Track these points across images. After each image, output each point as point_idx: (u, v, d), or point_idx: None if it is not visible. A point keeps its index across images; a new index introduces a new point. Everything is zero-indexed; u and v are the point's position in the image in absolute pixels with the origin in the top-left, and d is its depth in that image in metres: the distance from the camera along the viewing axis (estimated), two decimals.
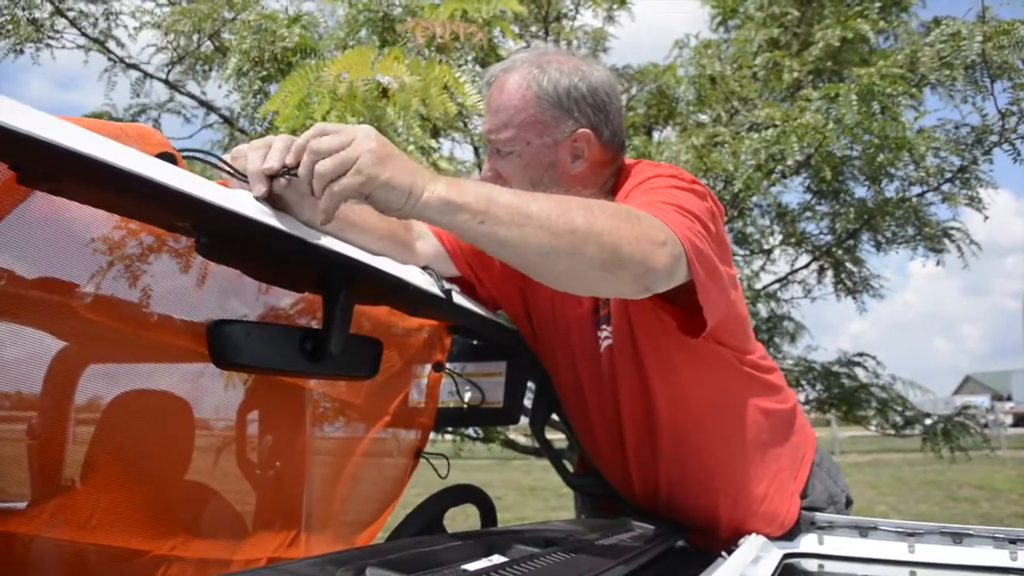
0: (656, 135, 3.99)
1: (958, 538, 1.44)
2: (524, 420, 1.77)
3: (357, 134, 0.92)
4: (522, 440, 4.48)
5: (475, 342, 1.70)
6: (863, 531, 1.51)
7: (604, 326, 1.44)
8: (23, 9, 3.29)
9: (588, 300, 1.45)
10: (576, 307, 1.47)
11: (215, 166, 0.93)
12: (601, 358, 1.46)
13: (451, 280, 1.48)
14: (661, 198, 1.20)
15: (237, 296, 1.14)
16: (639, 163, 1.45)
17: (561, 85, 1.34)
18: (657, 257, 1.04)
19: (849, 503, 1.68)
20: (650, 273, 1.04)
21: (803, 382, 3.95)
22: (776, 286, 4.10)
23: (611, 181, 1.42)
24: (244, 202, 0.91)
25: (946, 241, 3.47)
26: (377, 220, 1.28)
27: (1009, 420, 25.54)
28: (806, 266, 3.99)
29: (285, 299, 1.25)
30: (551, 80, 1.34)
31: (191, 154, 0.94)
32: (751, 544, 1.34)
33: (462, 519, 1.84)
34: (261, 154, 0.95)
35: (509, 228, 0.96)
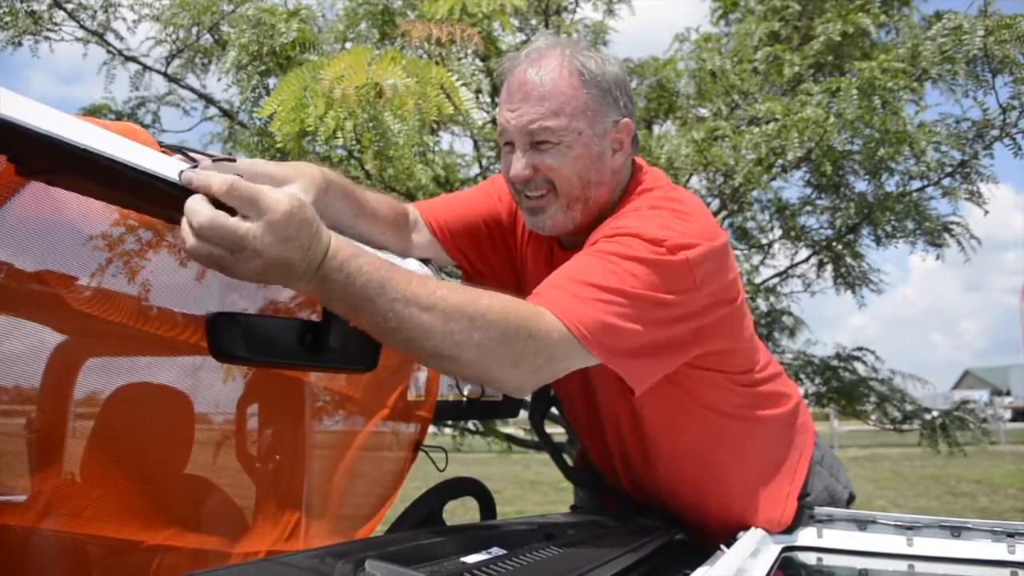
0: (656, 129, 3.98)
1: (956, 532, 1.44)
2: (524, 414, 1.78)
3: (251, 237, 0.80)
4: (521, 434, 4.48)
5: None
6: (862, 524, 1.51)
7: None
8: (21, 1, 3.27)
9: None
10: None
11: (195, 161, 0.91)
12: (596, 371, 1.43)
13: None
14: (591, 277, 1.12)
15: (237, 289, 1.14)
16: (646, 176, 1.35)
17: (607, 72, 1.26)
18: (528, 380, 1.07)
19: (851, 499, 1.65)
20: (521, 389, 1.10)
21: (802, 376, 3.95)
22: (775, 280, 4.10)
23: (625, 181, 1.34)
24: None
25: (946, 236, 3.47)
26: (387, 210, 1.30)
27: (1008, 415, 25.60)
28: (806, 260, 3.98)
29: (285, 292, 1.24)
30: (597, 66, 1.25)
31: (177, 149, 0.94)
32: (750, 537, 1.34)
33: (462, 512, 1.84)
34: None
35: (383, 338, 0.96)
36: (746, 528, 1.43)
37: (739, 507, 1.44)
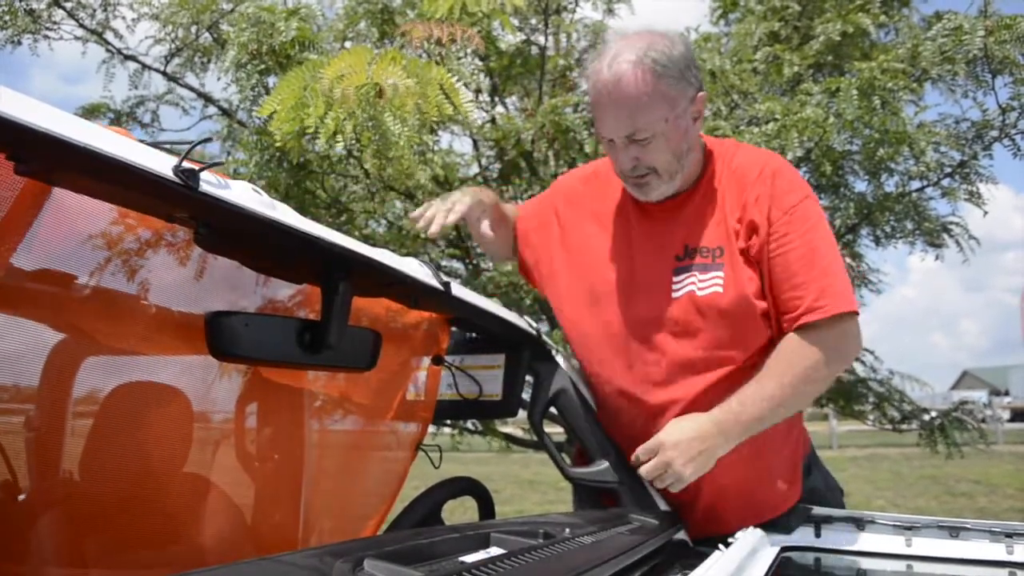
0: None
1: (955, 532, 1.45)
2: (522, 413, 1.77)
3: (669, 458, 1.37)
4: (520, 434, 4.48)
5: (474, 335, 1.70)
6: (860, 524, 1.51)
7: (684, 274, 1.46)
8: None
9: (670, 247, 1.49)
10: (651, 251, 1.51)
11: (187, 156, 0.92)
12: (675, 303, 1.47)
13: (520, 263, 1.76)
14: (826, 259, 1.41)
15: (236, 287, 1.14)
16: (740, 149, 1.53)
17: (673, 56, 1.39)
18: (853, 355, 1.53)
19: (841, 493, 1.72)
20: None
21: None
22: None
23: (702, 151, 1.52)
24: (243, 195, 0.91)
25: (945, 236, 3.46)
26: (504, 235, 1.70)
27: (1006, 415, 25.59)
28: None
29: (284, 290, 1.24)
30: (663, 54, 1.38)
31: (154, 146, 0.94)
32: (748, 537, 1.35)
33: (460, 512, 1.84)
34: None
35: (770, 421, 1.41)
36: (749, 518, 1.44)
37: (747, 491, 1.49)
